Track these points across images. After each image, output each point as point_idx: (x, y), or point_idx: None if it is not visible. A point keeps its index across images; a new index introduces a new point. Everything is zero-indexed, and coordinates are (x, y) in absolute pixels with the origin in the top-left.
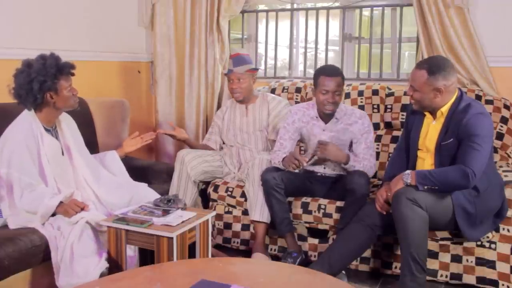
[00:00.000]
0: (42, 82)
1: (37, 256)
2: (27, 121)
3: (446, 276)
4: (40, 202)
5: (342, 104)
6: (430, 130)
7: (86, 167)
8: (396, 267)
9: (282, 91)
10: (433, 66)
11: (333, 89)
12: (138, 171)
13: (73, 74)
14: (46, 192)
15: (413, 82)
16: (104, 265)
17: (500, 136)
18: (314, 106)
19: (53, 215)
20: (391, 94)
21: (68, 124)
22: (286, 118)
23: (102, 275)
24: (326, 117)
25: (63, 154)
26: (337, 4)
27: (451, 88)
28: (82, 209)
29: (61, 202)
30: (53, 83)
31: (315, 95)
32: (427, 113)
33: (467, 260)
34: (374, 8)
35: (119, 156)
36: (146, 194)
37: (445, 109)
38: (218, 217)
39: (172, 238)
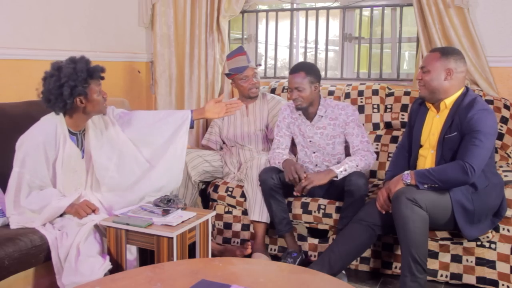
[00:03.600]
0: (72, 87)
1: (37, 256)
2: (52, 124)
3: (446, 276)
4: (48, 203)
5: (325, 100)
6: (434, 124)
7: (106, 170)
8: (396, 267)
9: (282, 91)
10: (445, 49)
11: (293, 86)
12: None
13: (103, 78)
14: (54, 194)
15: (425, 63)
16: (108, 266)
17: (500, 136)
18: None
19: (60, 215)
20: (391, 94)
21: (95, 129)
22: (278, 116)
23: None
24: (307, 115)
25: (83, 157)
26: (337, 4)
27: (460, 77)
28: (93, 211)
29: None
30: (84, 87)
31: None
32: (430, 107)
33: (467, 260)
34: (374, 8)
35: (194, 119)
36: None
37: (449, 101)
38: (218, 217)
39: (172, 238)
